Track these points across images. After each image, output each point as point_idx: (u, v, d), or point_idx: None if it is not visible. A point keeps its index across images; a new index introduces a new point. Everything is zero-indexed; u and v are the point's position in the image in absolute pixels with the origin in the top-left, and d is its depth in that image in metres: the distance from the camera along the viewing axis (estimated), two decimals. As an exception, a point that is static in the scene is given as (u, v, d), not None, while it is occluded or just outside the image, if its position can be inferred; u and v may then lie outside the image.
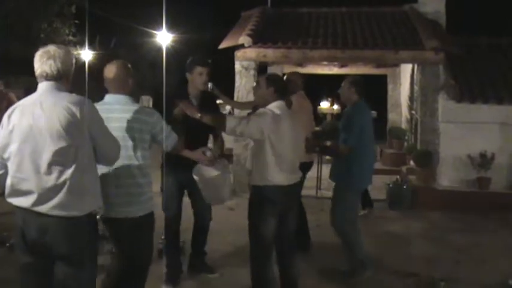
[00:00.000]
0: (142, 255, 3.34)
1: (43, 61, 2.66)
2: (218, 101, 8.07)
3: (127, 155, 3.17)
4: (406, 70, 11.21)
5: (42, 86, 2.67)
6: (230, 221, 6.55)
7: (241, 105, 7.35)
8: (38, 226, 2.55)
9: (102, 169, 2.99)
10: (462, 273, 5.04)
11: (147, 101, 16.55)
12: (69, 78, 2.74)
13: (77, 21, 13.20)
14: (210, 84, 5.32)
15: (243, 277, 4.68)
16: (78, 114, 2.57)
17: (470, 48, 9.24)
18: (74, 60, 2.78)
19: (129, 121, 3.19)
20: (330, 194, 8.47)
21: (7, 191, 2.61)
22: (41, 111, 2.56)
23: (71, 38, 12.82)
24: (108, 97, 3.30)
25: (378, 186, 9.09)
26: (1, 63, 11.75)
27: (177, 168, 4.12)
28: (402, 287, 4.73)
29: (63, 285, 2.64)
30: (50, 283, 2.65)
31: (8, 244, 5.27)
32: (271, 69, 11.68)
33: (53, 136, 2.52)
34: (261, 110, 3.85)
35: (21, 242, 2.59)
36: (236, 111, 8.27)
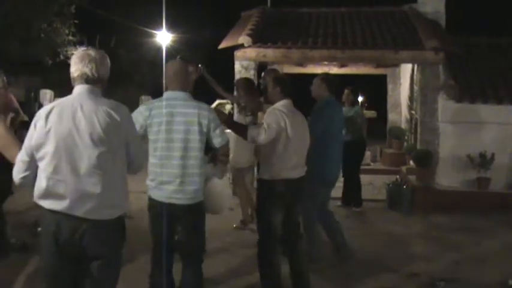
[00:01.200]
0: (193, 239, 3.53)
1: (84, 63, 2.64)
2: (217, 102, 8.06)
3: (190, 147, 3.38)
4: (406, 70, 11.22)
5: (80, 88, 2.64)
6: (230, 221, 6.55)
7: (226, 95, 7.15)
8: (73, 229, 2.55)
9: (164, 158, 3.30)
10: (462, 273, 5.03)
11: (147, 101, 16.57)
12: (105, 84, 2.74)
13: (76, 21, 13.20)
14: (201, 67, 5.37)
15: (241, 276, 4.69)
16: (118, 120, 2.59)
17: (470, 48, 9.24)
18: (109, 66, 2.77)
19: (192, 115, 3.39)
20: (329, 194, 8.49)
21: (39, 192, 2.57)
22: (81, 114, 2.55)
23: (70, 38, 12.82)
24: (169, 93, 3.49)
25: (378, 186, 9.12)
26: (1, 63, 11.76)
27: None
28: (402, 287, 4.73)
29: (95, 285, 2.67)
30: (77, 284, 2.68)
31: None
32: (271, 69, 11.67)
33: (94, 140, 2.53)
34: (269, 109, 4.07)
35: (52, 245, 2.57)
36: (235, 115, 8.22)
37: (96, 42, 14.03)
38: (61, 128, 2.54)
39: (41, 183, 2.57)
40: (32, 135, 2.59)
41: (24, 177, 2.64)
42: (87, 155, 2.53)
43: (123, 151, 2.67)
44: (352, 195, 7.66)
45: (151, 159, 3.42)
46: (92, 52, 2.69)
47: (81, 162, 2.53)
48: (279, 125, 3.90)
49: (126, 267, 4.71)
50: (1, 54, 11.77)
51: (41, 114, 2.61)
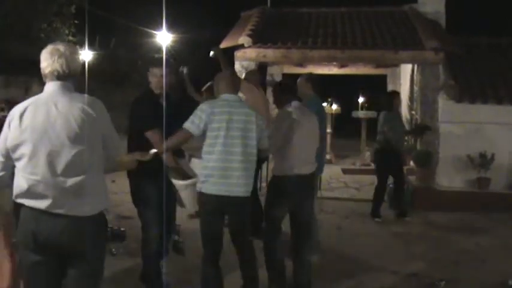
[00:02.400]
0: (247, 229, 3.86)
1: (54, 59, 2.59)
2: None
3: (248, 144, 3.68)
4: (406, 70, 11.21)
5: (53, 85, 2.60)
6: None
7: (198, 97, 7.23)
8: (54, 227, 2.52)
9: (224, 154, 3.57)
10: (462, 273, 5.03)
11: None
12: (77, 78, 2.70)
13: (76, 21, 13.20)
14: (184, 69, 5.53)
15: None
16: (94, 115, 2.56)
17: (470, 48, 9.24)
18: (81, 60, 2.74)
19: (250, 115, 3.73)
20: (329, 194, 8.53)
21: (18, 191, 2.55)
22: (56, 112, 2.51)
23: (70, 38, 12.81)
24: (227, 95, 3.79)
25: (378, 186, 9.11)
26: (1, 63, 11.76)
27: (158, 174, 3.84)
28: (402, 287, 4.73)
29: (77, 282, 2.64)
30: (58, 281, 2.65)
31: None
32: (271, 69, 11.68)
33: (71, 138, 2.50)
34: (277, 114, 4.41)
35: (31, 242, 2.54)
36: None
37: (96, 42, 14.01)
38: (37, 127, 2.50)
39: (19, 183, 2.54)
40: (7, 136, 2.55)
41: None
42: (64, 153, 2.50)
43: (100, 146, 2.63)
44: (399, 201, 7.38)
45: (209, 156, 3.63)
46: (61, 47, 2.63)
47: (59, 160, 2.50)
48: (283, 130, 4.16)
49: (124, 266, 4.72)
50: (1, 54, 11.75)
51: (14, 113, 2.56)
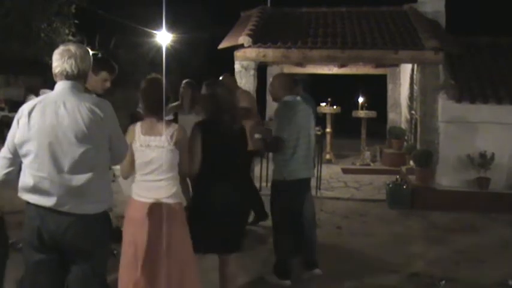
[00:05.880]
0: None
1: (64, 60, 2.64)
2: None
3: (312, 135, 4.67)
4: (406, 70, 11.22)
5: (62, 85, 2.65)
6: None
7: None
8: (59, 224, 2.55)
9: (302, 143, 4.48)
10: (462, 273, 5.04)
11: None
12: (86, 79, 2.75)
13: (76, 21, 13.20)
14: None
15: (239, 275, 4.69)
16: (102, 116, 2.60)
17: (470, 48, 9.23)
18: (91, 61, 2.77)
19: (310, 111, 4.72)
20: (329, 193, 8.53)
21: (24, 187, 2.58)
22: (64, 111, 2.55)
23: (70, 37, 12.80)
24: (291, 97, 4.60)
25: (378, 186, 9.12)
26: (1, 63, 11.75)
27: None
28: (402, 287, 4.73)
29: (81, 280, 2.66)
30: (61, 280, 2.67)
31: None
32: (271, 69, 11.68)
33: (78, 137, 2.53)
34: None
35: (35, 240, 2.57)
36: None
37: (95, 42, 14.00)
38: (44, 125, 2.54)
39: (25, 180, 2.57)
40: (15, 132, 2.59)
41: (7, 173, 2.66)
42: (71, 152, 2.53)
43: (106, 146, 2.67)
44: None
45: (291, 149, 4.42)
46: (72, 48, 2.68)
47: (65, 159, 2.53)
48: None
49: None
50: (1, 54, 11.75)
51: (23, 111, 2.60)
